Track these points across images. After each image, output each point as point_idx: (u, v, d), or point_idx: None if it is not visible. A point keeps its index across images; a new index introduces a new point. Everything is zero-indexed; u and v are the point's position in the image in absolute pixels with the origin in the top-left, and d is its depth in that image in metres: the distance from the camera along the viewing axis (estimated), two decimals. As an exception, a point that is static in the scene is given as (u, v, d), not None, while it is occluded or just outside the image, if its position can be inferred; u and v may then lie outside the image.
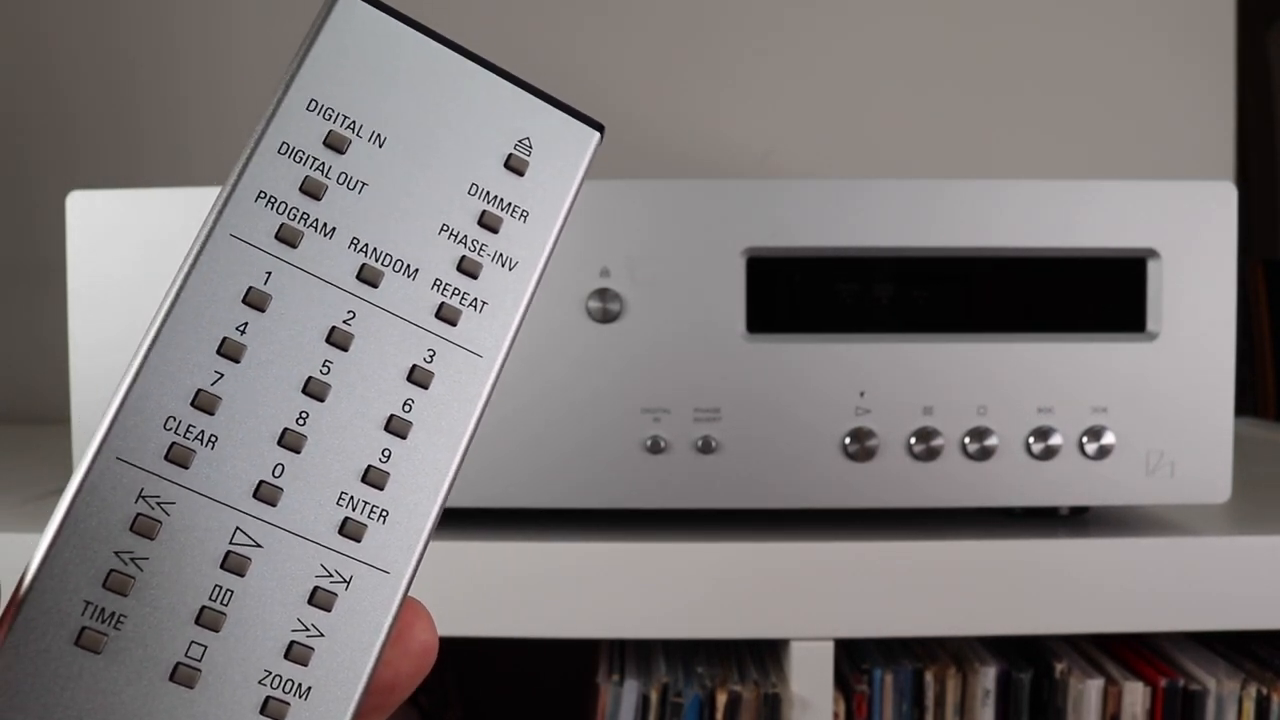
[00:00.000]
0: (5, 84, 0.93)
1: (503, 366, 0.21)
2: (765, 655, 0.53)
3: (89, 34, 0.93)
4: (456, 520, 0.51)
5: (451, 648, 0.85)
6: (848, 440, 0.48)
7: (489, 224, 0.21)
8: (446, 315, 0.20)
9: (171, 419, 0.18)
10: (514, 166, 0.21)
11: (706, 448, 0.47)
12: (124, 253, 0.47)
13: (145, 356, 0.19)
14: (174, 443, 0.18)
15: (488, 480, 0.48)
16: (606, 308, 0.47)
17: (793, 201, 0.48)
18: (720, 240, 0.47)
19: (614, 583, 0.48)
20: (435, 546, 0.52)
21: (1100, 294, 0.49)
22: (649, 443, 0.47)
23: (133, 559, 0.18)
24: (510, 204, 0.21)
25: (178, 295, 0.19)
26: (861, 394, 0.48)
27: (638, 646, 0.55)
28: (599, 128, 0.22)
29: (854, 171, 0.95)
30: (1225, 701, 0.50)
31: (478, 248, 0.21)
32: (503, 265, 0.21)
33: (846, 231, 0.48)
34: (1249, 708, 0.51)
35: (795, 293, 0.48)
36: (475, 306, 0.21)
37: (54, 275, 0.87)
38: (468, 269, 0.21)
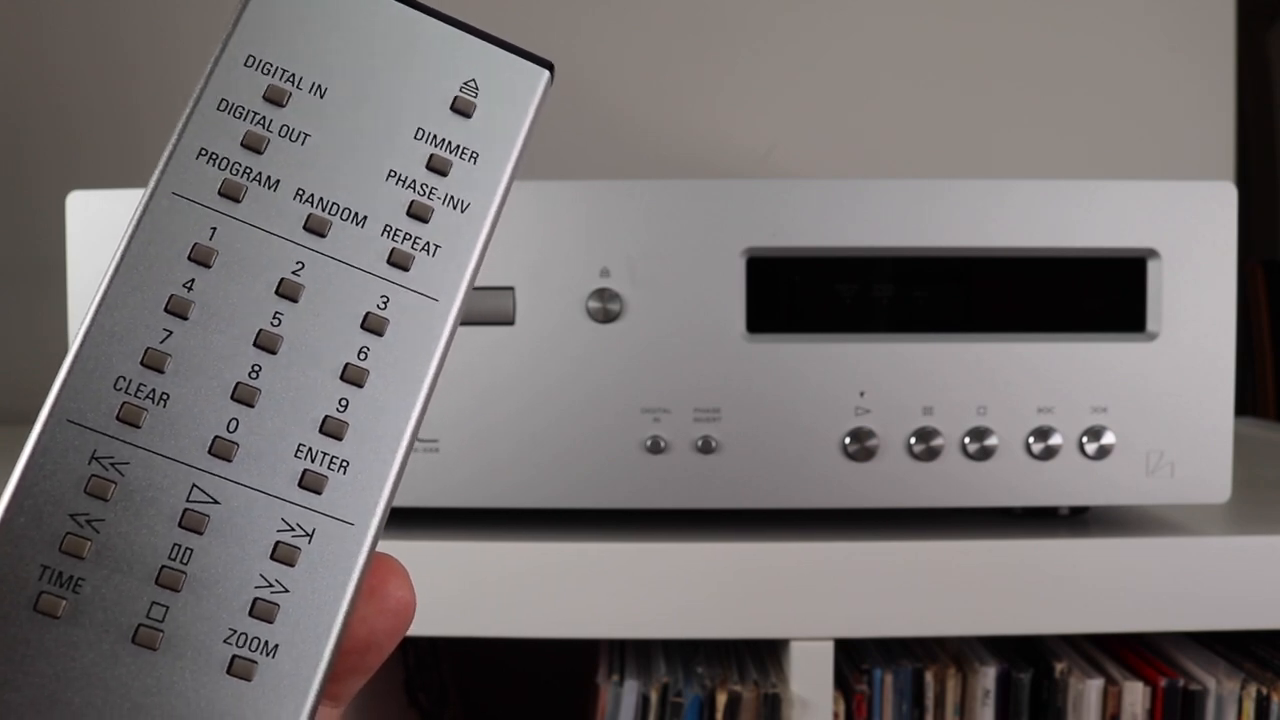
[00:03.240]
0: (5, 84, 0.93)
1: (461, 310, 0.21)
2: (765, 655, 0.53)
3: (89, 34, 0.93)
4: (456, 520, 0.51)
5: (451, 648, 0.85)
6: (848, 440, 0.48)
7: (437, 167, 0.21)
8: (398, 261, 0.20)
9: (121, 379, 0.18)
10: (460, 109, 0.21)
11: (706, 448, 0.47)
12: (124, 253, 0.47)
13: (93, 318, 0.18)
14: (125, 402, 0.18)
15: (488, 480, 0.48)
16: (606, 308, 0.47)
17: (793, 201, 0.48)
18: (720, 240, 0.47)
19: (614, 583, 0.48)
20: (435, 546, 0.52)
21: (1100, 294, 0.49)
22: (649, 443, 0.47)
23: (88, 521, 0.18)
24: (459, 146, 0.21)
25: (123, 256, 0.19)
26: (861, 394, 0.48)
27: (638, 646, 0.55)
28: (548, 66, 0.22)
29: (854, 171, 0.95)
30: (1225, 701, 0.50)
31: (427, 191, 0.21)
32: (454, 208, 0.21)
33: (846, 231, 0.48)
34: (1249, 708, 0.50)
35: (795, 293, 0.48)
36: (428, 251, 0.20)
37: (54, 275, 0.87)
38: (418, 213, 0.20)
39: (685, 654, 0.54)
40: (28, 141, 0.94)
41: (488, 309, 0.47)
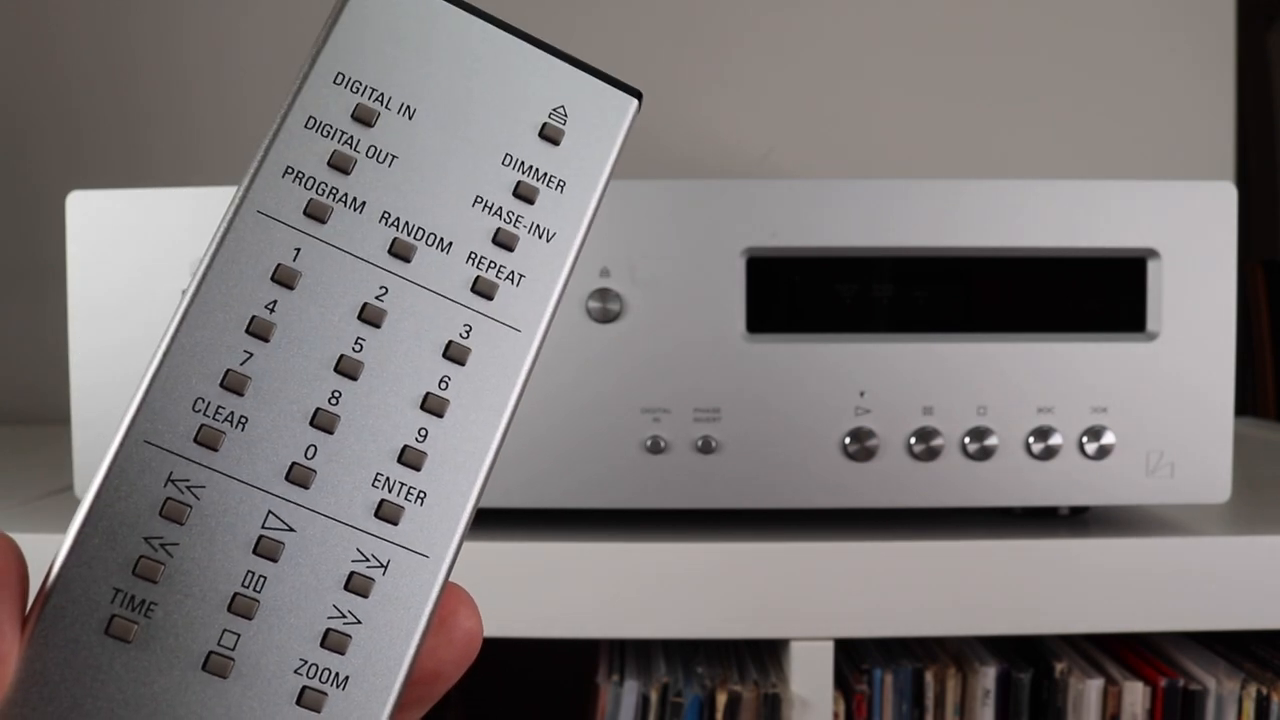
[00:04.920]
0: (7, 83, 0.93)
1: (543, 341, 0.20)
2: (765, 655, 0.53)
3: (92, 32, 0.93)
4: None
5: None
6: (848, 440, 0.48)
7: (524, 195, 0.20)
8: (482, 289, 0.20)
9: (200, 400, 0.18)
10: (549, 136, 0.21)
11: (706, 448, 0.47)
12: (125, 253, 0.47)
13: (173, 337, 0.18)
14: (203, 424, 0.18)
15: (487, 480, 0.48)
16: (606, 308, 0.47)
17: (793, 201, 0.48)
18: (720, 240, 0.47)
19: (614, 583, 0.48)
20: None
21: (1100, 294, 0.49)
22: (649, 443, 0.47)
23: (162, 545, 0.17)
24: (546, 174, 0.21)
25: (205, 274, 0.18)
26: (861, 394, 0.48)
27: (638, 646, 0.55)
28: (637, 95, 0.22)
29: (854, 171, 0.95)
30: (1225, 701, 0.50)
31: (513, 219, 0.20)
32: (540, 237, 0.20)
33: (846, 231, 0.48)
34: (1249, 708, 0.51)
35: (795, 293, 0.48)
36: (512, 280, 0.20)
37: (54, 276, 0.87)
38: (503, 241, 0.20)
39: (685, 654, 0.54)
40: (29, 141, 0.94)
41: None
